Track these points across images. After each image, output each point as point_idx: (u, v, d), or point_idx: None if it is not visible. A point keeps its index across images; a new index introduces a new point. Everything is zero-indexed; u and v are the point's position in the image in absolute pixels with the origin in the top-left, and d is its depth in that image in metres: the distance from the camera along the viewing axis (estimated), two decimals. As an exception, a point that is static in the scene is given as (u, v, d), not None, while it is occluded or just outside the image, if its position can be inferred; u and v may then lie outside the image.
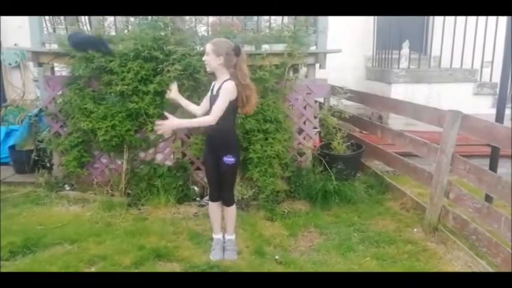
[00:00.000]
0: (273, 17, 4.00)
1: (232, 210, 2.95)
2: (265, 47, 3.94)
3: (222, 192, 2.90)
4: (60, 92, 3.98)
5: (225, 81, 2.65)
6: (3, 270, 2.69)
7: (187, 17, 3.84)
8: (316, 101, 4.06)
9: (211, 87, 2.80)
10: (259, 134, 3.66)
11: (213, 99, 2.70)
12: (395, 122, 4.99)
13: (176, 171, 3.81)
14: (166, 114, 2.80)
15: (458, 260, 2.79)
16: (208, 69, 2.75)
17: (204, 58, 2.71)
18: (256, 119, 3.63)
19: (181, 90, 3.62)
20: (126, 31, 3.90)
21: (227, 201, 2.91)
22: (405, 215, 3.52)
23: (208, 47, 2.66)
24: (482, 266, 2.66)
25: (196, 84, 3.59)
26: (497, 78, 4.35)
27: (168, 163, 3.92)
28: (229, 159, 2.74)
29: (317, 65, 3.99)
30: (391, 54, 5.52)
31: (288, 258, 2.85)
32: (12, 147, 4.50)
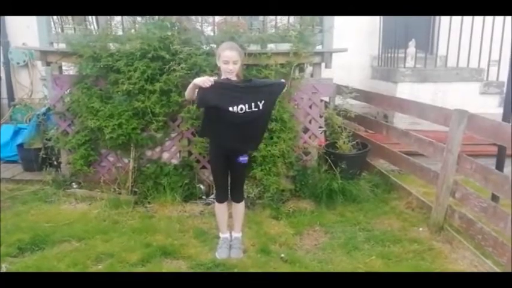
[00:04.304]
0: (279, 16, 4.01)
1: (242, 206, 2.98)
2: (271, 46, 3.95)
3: (233, 190, 2.93)
4: (68, 91, 4.01)
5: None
6: (12, 266, 2.73)
7: (193, 17, 3.86)
8: (321, 100, 4.06)
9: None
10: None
11: None
12: (401, 121, 4.98)
13: (182, 169, 3.84)
14: None
15: (464, 260, 2.79)
16: (232, 74, 2.69)
17: (234, 67, 2.63)
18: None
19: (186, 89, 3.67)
20: (132, 31, 3.92)
21: (239, 198, 2.94)
22: (411, 214, 3.51)
23: (235, 54, 2.63)
24: (488, 265, 2.65)
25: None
26: (504, 77, 4.33)
27: (174, 161, 3.94)
28: (244, 158, 2.78)
29: (323, 64, 4.00)
30: (397, 53, 5.50)
31: (294, 256, 2.86)
32: (20, 146, 4.56)
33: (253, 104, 2.60)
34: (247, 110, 2.59)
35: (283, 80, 2.84)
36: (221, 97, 2.56)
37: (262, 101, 2.62)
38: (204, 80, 2.51)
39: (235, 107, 2.57)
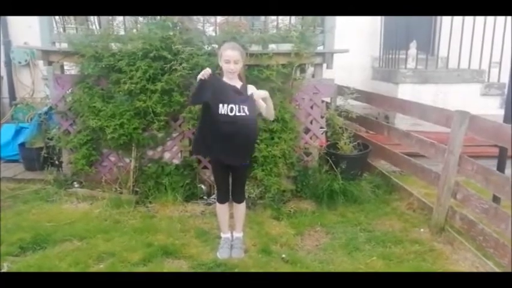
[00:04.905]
0: (280, 17, 4.02)
1: (243, 207, 2.99)
2: (272, 47, 3.95)
3: (235, 190, 2.93)
4: (69, 91, 4.02)
5: (247, 84, 2.80)
6: (13, 265, 2.73)
7: (195, 17, 3.87)
8: (323, 101, 4.06)
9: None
10: (265, 133, 3.68)
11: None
12: (402, 122, 4.98)
13: (183, 169, 3.84)
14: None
15: (465, 261, 2.79)
16: (234, 74, 2.71)
17: (235, 67, 2.65)
18: (262, 118, 3.65)
19: (188, 89, 3.68)
20: (134, 30, 3.93)
21: (240, 198, 2.95)
22: (412, 215, 3.51)
23: (237, 54, 2.65)
24: (489, 266, 2.65)
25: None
26: (505, 79, 4.34)
27: (176, 161, 3.95)
28: None
29: (324, 65, 4.00)
30: (398, 55, 5.50)
31: (295, 257, 2.86)
32: (22, 145, 4.57)
33: (241, 107, 2.60)
34: (236, 113, 2.59)
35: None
36: (214, 92, 2.58)
37: (246, 107, 2.62)
38: (203, 72, 2.54)
39: (225, 106, 2.58)
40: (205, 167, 3.95)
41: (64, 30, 4.17)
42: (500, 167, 3.30)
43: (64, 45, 4.01)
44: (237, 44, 2.95)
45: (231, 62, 2.64)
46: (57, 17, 4.10)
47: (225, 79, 2.74)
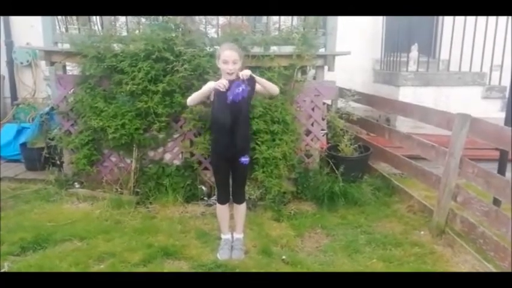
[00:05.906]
0: (282, 19, 4.03)
1: (243, 208, 2.99)
2: (274, 49, 3.96)
3: (235, 191, 2.93)
4: (71, 91, 4.04)
5: None
6: (14, 265, 2.74)
7: (197, 18, 3.88)
8: (324, 103, 4.07)
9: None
10: (266, 135, 3.68)
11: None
12: (403, 124, 4.99)
13: (184, 170, 3.85)
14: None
15: (465, 263, 2.79)
16: (232, 75, 2.70)
17: (234, 67, 2.65)
18: (264, 120, 3.66)
19: (190, 90, 3.69)
20: (137, 32, 3.94)
21: (240, 199, 2.95)
22: (412, 218, 3.51)
23: (235, 54, 2.67)
24: (489, 269, 2.65)
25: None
26: (506, 82, 4.35)
27: (177, 162, 3.95)
28: (246, 159, 2.80)
29: (325, 67, 4.01)
30: (399, 57, 5.52)
31: (295, 258, 2.86)
32: (23, 145, 4.58)
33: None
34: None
35: None
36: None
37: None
38: (219, 83, 2.57)
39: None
40: (205, 168, 3.95)
41: (66, 30, 4.18)
42: (501, 170, 3.30)
43: (66, 46, 4.02)
44: (238, 45, 2.96)
45: (229, 62, 2.65)
46: (59, 17, 4.12)
47: None
